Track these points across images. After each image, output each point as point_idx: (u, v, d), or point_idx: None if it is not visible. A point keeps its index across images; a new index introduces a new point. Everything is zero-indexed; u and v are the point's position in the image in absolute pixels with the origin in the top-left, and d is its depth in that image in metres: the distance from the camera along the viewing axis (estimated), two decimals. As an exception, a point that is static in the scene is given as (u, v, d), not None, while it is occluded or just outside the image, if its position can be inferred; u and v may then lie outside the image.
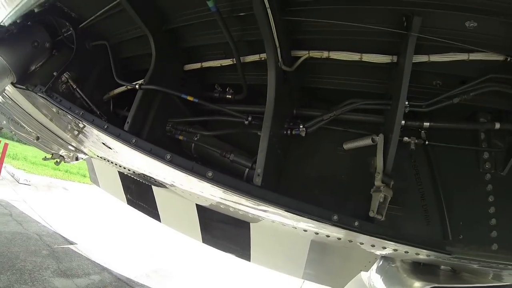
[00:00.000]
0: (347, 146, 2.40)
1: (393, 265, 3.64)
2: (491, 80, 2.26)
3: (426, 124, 2.39)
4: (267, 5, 1.76)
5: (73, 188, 14.18)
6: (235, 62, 2.35)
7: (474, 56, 2.12)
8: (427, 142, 2.43)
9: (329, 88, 2.56)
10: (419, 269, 3.51)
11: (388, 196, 2.02)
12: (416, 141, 2.39)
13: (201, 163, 2.21)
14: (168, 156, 2.08)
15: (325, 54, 2.24)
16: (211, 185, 2.03)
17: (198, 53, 2.66)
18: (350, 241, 2.42)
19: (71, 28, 2.66)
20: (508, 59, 2.10)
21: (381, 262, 3.77)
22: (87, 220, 10.43)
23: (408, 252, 2.31)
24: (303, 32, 2.23)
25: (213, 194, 2.49)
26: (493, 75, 2.24)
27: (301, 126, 2.37)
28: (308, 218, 1.94)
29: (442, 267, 3.59)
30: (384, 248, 2.38)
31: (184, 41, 2.60)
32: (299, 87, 2.60)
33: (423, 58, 2.16)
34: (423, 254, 2.40)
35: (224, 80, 2.67)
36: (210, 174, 1.98)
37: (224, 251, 4.90)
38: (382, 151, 2.06)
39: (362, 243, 2.42)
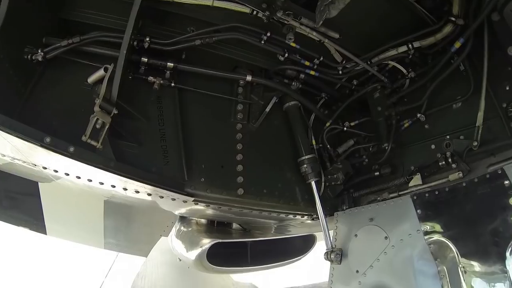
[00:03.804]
0: (91, 79, 2.25)
1: (189, 229, 3.93)
2: (236, 29, 2.41)
3: (170, 64, 2.46)
4: None
5: None
6: None
7: (218, 4, 2.29)
8: (173, 84, 2.51)
9: (86, 23, 2.45)
10: (213, 229, 3.86)
11: (106, 123, 2.03)
12: (161, 81, 2.45)
13: None
14: None
15: None
16: None
17: None
18: (137, 191, 2.35)
19: None
20: (254, 12, 2.27)
21: (178, 227, 4.04)
22: None
23: (139, 192, 2.37)
24: None
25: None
26: (238, 24, 2.40)
27: (39, 51, 2.23)
28: (19, 137, 1.86)
29: (234, 225, 4.01)
30: (161, 197, 2.41)
31: None
32: (52, 17, 2.45)
33: None
34: (167, 197, 2.40)
35: None
36: None
37: (18, 225, 4.30)
38: (107, 79, 2.11)
39: (149, 194, 2.37)
